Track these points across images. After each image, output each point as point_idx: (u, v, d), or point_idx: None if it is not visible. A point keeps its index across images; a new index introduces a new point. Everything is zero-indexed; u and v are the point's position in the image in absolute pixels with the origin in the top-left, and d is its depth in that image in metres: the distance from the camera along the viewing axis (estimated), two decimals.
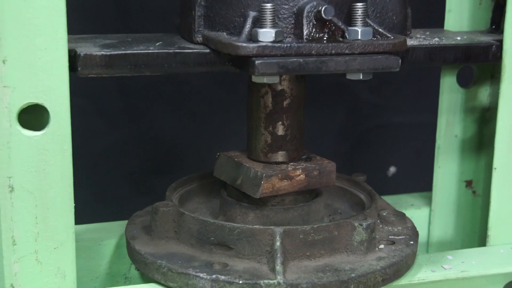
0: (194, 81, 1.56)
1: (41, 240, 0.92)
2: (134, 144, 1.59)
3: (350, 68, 0.95)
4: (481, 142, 1.26)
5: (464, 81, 1.25)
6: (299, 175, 1.05)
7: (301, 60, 0.93)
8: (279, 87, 1.05)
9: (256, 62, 0.90)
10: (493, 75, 1.23)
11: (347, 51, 0.95)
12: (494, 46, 1.12)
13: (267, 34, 0.93)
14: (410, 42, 1.08)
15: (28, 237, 0.92)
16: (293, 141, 1.08)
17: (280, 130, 1.07)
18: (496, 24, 1.21)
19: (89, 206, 1.09)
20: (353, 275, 0.96)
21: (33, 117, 0.90)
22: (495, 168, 1.13)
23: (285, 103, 1.06)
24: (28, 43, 0.87)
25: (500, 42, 1.11)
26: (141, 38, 1.03)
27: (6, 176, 0.89)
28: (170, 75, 1.00)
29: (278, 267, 0.95)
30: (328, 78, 1.03)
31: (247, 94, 1.08)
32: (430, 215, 1.31)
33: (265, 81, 0.95)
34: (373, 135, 1.74)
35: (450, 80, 1.25)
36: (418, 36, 1.14)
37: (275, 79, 0.95)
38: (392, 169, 1.59)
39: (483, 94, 1.24)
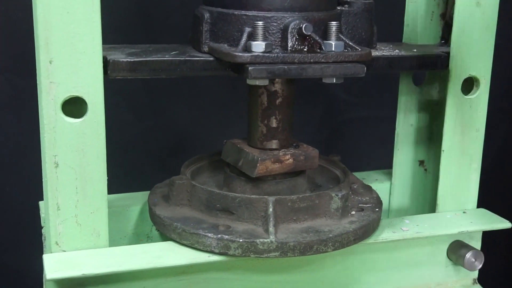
0: (205, 83, 1.55)
1: (80, 206, 0.92)
2: (156, 131, 1.59)
3: (325, 74, 0.95)
4: (431, 129, 1.25)
5: (418, 80, 1.23)
6: (288, 159, 1.04)
7: (286, 67, 0.92)
8: (273, 88, 1.03)
9: (250, 68, 0.91)
10: (441, 75, 1.20)
11: (323, 60, 0.94)
12: (442, 57, 1.11)
13: (259, 46, 0.92)
14: (375, 53, 1.07)
15: (70, 203, 0.91)
16: (284, 132, 1.06)
17: (273, 123, 1.05)
18: (445, 39, 1.19)
19: (119, 179, 1.08)
20: (330, 235, 0.95)
21: (74, 107, 0.89)
22: (443, 150, 1.12)
23: (277, 101, 1.04)
24: (70, 47, 0.86)
25: (447, 53, 1.10)
26: (160, 48, 1.01)
27: (52, 154, 0.89)
28: (186, 77, 0.99)
29: (271, 229, 0.94)
30: (310, 81, 1.03)
31: (248, 94, 1.07)
32: (390, 188, 1.29)
33: (257, 83, 0.94)
34: (346, 126, 1.75)
35: (407, 81, 1.23)
36: (383, 48, 1.13)
37: (265, 82, 0.95)
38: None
39: (434, 91, 1.23)
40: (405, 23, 1.20)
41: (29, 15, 0.87)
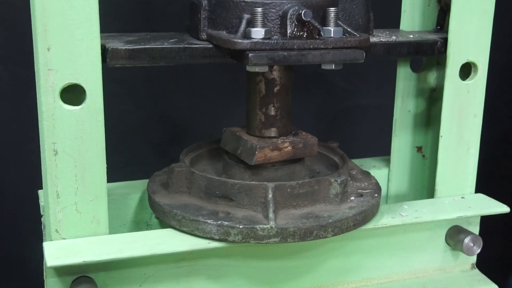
0: (204, 71, 1.54)
1: (80, 194, 0.91)
2: (155, 119, 1.58)
3: (325, 60, 0.94)
4: (429, 116, 1.24)
5: (415, 67, 1.22)
6: (287, 147, 1.03)
7: (285, 53, 0.92)
8: (271, 76, 1.02)
9: (250, 55, 0.90)
10: (439, 62, 1.20)
11: (322, 46, 0.94)
12: (438, 43, 1.10)
13: (258, 32, 0.91)
14: (372, 39, 1.06)
15: (69, 191, 0.90)
16: (282, 120, 1.05)
17: (272, 111, 1.04)
18: (440, 25, 1.18)
19: (119, 167, 1.07)
20: (330, 220, 0.94)
21: (72, 94, 0.88)
22: (441, 136, 1.11)
23: (275, 89, 1.03)
24: (69, 34, 0.85)
25: (444, 39, 1.09)
26: (158, 36, 1.00)
27: (51, 142, 0.88)
28: (184, 66, 0.98)
29: (271, 215, 0.94)
30: (309, 69, 1.03)
31: (246, 82, 1.06)
32: (389, 174, 1.29)
33: (256, 70, 0.93)
34: (345, 113, 1.74)
35: (404, 67, 1.22)
36: (379, 34, 1.12)
37: (264, 69, 0.94)
38: None
39: (431, 78, 1.22)
40: (402, 9, 1.19)
41: (28, 4, 0.86)
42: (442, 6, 1.17)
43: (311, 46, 0.93)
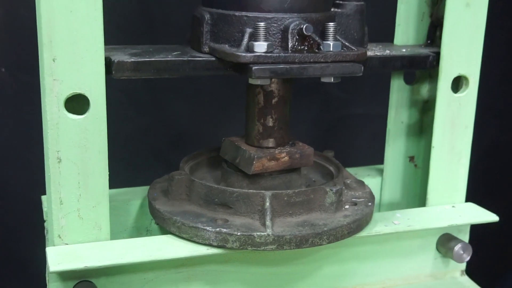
0: (205, 82, 1.55)
1: (82, 200, 0.90)
2: (156, 128, 1.58)
3: (324, 73, 0.94)
4: (421, 126, 1.24)
5: (409, 79, 1.22)
6: (284, 157, 1.03)
7: (287, 66, 0.91)
8: (269, 88, 1.02)
9: (253, 68, 0.89)
10: (431, 75, 1.20)
11: (322, 60, 0.93)
12: (431, 57, 1.11)
13: (261, 46, 0.91)
14: (368, 53, 1.06)
15: (72, 198, 0.90)
16: (280, 131, 1.05)
17: (270, 122, 1.04)
18: (431, 39, 1.18)
19: (120, 174, 1.07)
20: (325, 228, 0.94)
21: (76, 104, 0.88)
22: (433, 147, 1.11)
23: (273, 101, 1.03)
24: (73, 46, 0.85)
25: (435, 53, 1.10)
26: (160, 48, 1.00)
27: (55, 150, 0.87)
28: (186, 77, 0.98)
29: (268, 222, 0.93)
30: (306, 80, 1.03)
31: (245, 94, 1.05)
32: (382, 183, 1.28)
33: (259, 83, 0.93)
34: (340, 122, 1.74)
35: (398, 79, 1.22)
36: (374, 48, 1.13)
37: (266, 81, 0.94)
38: None
39: (424, 90, 1.22)
40: (397, 23, 1.19)
41: (33, 14, 0.86)
42: (433, 21, 1.18)
43: (311, 60, 0.93)
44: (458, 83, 1.10)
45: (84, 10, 0.84)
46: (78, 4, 0.83)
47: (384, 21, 1.24)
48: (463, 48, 1.07)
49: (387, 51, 1.11)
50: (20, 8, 1.40)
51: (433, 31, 1.18)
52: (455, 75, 1.09)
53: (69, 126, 0.87)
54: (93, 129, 0.88)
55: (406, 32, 1.19)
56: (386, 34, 1.22)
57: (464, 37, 1.07)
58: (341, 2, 1.04)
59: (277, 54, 0.91)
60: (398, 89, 1.22)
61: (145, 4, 1.48)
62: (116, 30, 1.31)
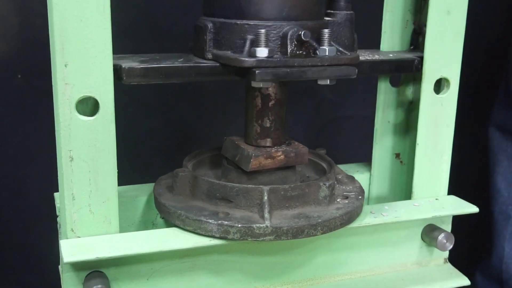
0: (207, 87, 1.55)
1: (93, 196, 0.90)
2: (162, 128, 1.57)
3: (322, 76, 0.93)
4: (406, 126, 1.24)
5: (394, 82, 1.22)
6: (280, 155, 1.02)
7: (288, 70, 0.91)
8: (266, 92, 1.01)
9: (256, 71, 0.89)
10: (415, 78, 1.20)
11: (319, 63, 0.93)
12: (416, 61, 1.11)
13: (262, 51, 0.90)
14: (360, 58, 1.05)
15: (84, 194, 0.89)
16: (276, 131, 1.04)
17: (267, 123, 1.03)
18: (414, 45, 1.18)
19: (128, 172, 1.06)
20: (319, 220, 0.94)
21: (87, 106, 0.88)
22: (417, 144, 1.11)
23: (270, 103, 1.02)
24: (84, 52, 0.84)
25: (420, 58, 1.10)
26: (166, 56, 0.99)
27: (68, 149, 0.87)
28: (191, 82, 0.98)
29: (266, 215, 0.93)
30: (301, 84, 1.02)
31: (244, 97, 1.05)
32: (370, 178, 1.28)
33: (261, 86, 0.92)
34: (332, 124, 1.74)
35: (385, 82, 1.22)
36: (363, 54, 1.12)
37: (268, 84, 0.94)
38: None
39: (408, 92, 1.22)
40: (383, 30, 1.19)
41: (46, 24, 0.85)
42: (415, 28, 1.18)
43: (310, 64, 0.93)
44: (440, 85, 1.10)
45: (94, 20, 0.83)
46: (88, 14, 0.83)
47: (371, 29, 1.23)
48: (444, 52, 1.07)
49: (376, 56, 1.11)
50: (35, 18, 1.40)
51: (416, 37, 1.18)
52: (437, 77, 1.08)
53: (80, 127, 0.86)
54: (102, 130, 0.87)
55: (391, 39, 1.19)
56: (372, 41, 1.22)
57: (445, 42, 1.07)
58: (332, 11, 1.03)
59: (278, 59, 0.91)
60: (384, 91, 1.22)
61: (151, 14, 1.48)
62: (124, 39, 1.30)
